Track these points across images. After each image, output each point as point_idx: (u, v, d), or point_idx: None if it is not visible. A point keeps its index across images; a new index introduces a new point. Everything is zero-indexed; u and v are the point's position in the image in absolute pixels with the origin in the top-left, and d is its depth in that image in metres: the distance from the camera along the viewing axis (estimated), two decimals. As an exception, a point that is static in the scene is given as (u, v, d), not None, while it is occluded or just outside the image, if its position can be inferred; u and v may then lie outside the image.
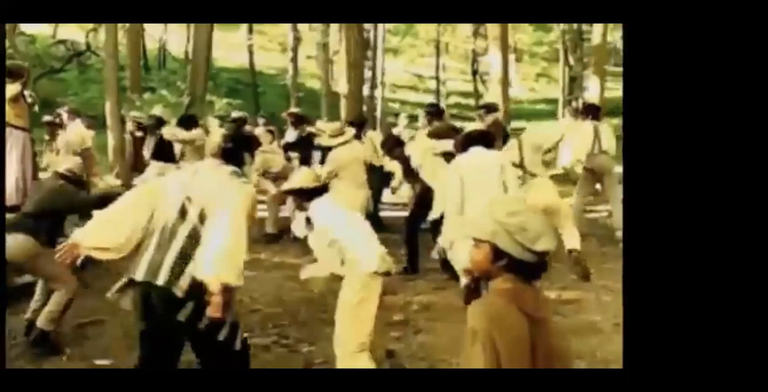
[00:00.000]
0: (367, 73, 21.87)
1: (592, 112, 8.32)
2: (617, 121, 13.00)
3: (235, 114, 10.50)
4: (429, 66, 31.94)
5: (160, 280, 3.05)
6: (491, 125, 6.96)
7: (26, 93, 6.88)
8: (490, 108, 7.52)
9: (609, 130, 8.22)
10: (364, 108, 16.76)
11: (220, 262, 2.96)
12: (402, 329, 5.07)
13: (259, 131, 11.32)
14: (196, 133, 8.14)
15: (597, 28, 16.32)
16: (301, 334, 5.00)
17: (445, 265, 5.82)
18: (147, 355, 3.24)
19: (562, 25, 23.80)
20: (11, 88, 6.45)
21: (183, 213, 3.13)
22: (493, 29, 15.91)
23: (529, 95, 30.44)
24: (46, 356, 4.55)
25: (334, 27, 20.71)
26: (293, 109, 11.45)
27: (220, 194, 3.14)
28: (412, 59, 33.35)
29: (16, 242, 4.52)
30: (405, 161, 7.06)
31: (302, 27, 24.33)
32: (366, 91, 19.88)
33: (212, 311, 2.98)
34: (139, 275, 3.12)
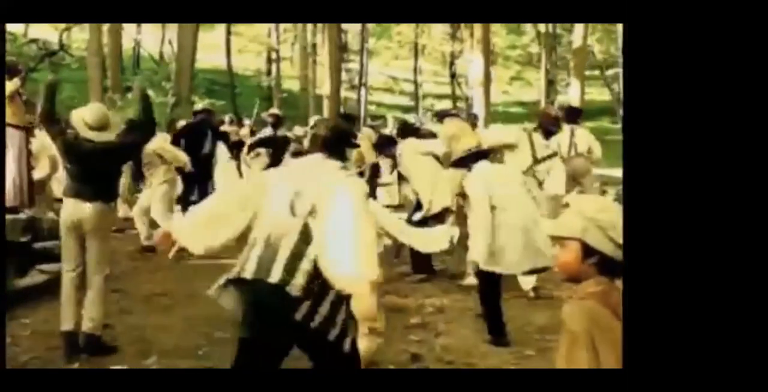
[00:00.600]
0: (345, 75, 21.99)
1: (572, 115, 8.35)
2: (592, 124, 12.99)
3: (199, 107, 10.47)
4: (403, 68, 31.85)
5: (274, 278, 2.86)
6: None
7: (21, 91, 6.85)
8: (446, 114, 7.88)
9: (585, 133, 8.29)
10: (342, 109, 16.93)
11: (360, 260, 2.81)
12: (421, 332, 5.05)
13: (245, 132, 11.38)
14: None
15: (578, 31, 16.39)
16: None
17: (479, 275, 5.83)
18: (246, 362, 2.99)
19: (537, 28, 23.81)
20: (8, 85, 6.40)
21: (292, 209, 2.95)
22: (475, 31, 15.98)
23: (503, 98, 30.31)
24: (104, 356, 4.41)
25: (309, 28, 20.72)
26: (274, 110, 11.37)
27: (333, 189, 2.97)
28: (387, 62, 33.24)
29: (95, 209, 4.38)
30: (395, 160, 7.11)
31: (279, 28, 24.30)
32: (343, 92, 20.07)
33: (364, 312, 2.82)
34: (248, 273, 2.94)
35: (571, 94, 16.31)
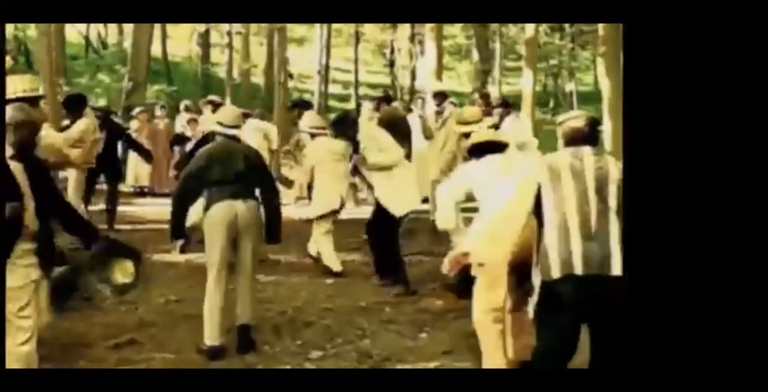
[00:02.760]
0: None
1: (503, 105, 8.53)
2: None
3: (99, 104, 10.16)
4: (335, 57, 31.15)
5: (615, 270, 2.65)
6: (385, 114, 7.25)
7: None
8: (386, 98, 8.25)
9: (521, 123, 8.37)
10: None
11: None
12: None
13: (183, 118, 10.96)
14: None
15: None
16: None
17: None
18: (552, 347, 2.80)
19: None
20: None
21: (599, 196, 2.87)
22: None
23: (434, 88, 29.91)
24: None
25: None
26: (212, 97, 10.88)
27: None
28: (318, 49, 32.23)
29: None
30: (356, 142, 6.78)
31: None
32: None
33: None
34: (578, 269, 2.79)
35: (524, 84, 16.38)
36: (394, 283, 5.74)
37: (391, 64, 28.51)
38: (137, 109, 11.61)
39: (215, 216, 4.42)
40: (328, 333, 4.69)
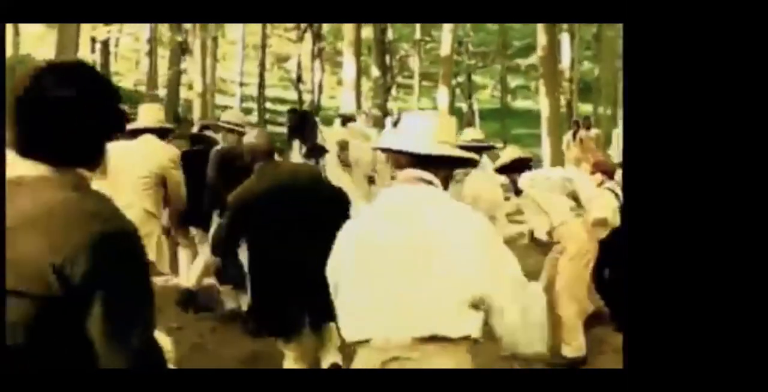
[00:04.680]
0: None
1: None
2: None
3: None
4: (229, 70, 29.22)
5: None
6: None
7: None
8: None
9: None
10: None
11: None
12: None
13: None
14: None
15: (446, 39, 16.57)
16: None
17: None
18: None
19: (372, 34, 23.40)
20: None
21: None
22: (347, 33, 15.84)
23: (332, 103, 29.29)
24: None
25: (146, 27, 20.22)
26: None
27: None
28: (196, 60, 30.54)
29: None
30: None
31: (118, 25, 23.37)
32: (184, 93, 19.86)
33: None
34: None
35: (439, 102, 16.61)
36: None
37: (298, 78, 28.32)
38: None
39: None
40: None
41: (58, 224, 1.32)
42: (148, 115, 4.73)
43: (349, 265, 2.05)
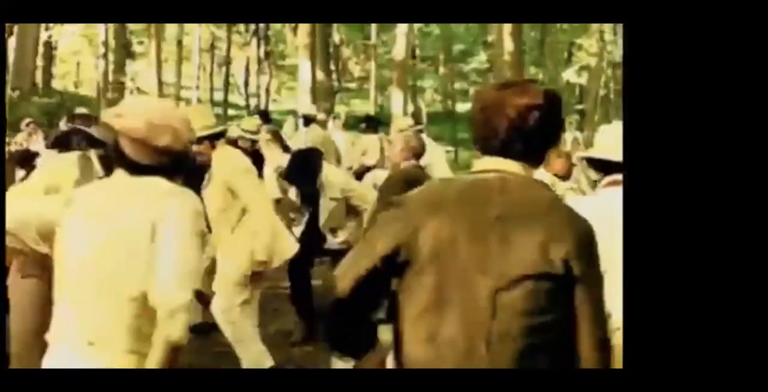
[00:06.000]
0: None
1: (373, 124, 9.15)
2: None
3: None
4: (170, 71, 28.03)
5: None
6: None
7: None
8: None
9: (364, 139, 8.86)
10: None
11: None
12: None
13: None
14: None
15: (400, 43, 16.65)
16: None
17: None
18: None
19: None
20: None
21: None
22: (300, 35, 15.74)
23: (275, 106, 28.36)
24: None
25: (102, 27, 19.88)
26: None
27: None
28: (151, 63, 28.77)
29: None
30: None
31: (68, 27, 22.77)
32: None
33: None
34: None
35: (394, 105, 16.80)
36: None
37: (246, 83, 28.20)
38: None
39: None
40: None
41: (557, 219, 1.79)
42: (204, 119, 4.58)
43: None
